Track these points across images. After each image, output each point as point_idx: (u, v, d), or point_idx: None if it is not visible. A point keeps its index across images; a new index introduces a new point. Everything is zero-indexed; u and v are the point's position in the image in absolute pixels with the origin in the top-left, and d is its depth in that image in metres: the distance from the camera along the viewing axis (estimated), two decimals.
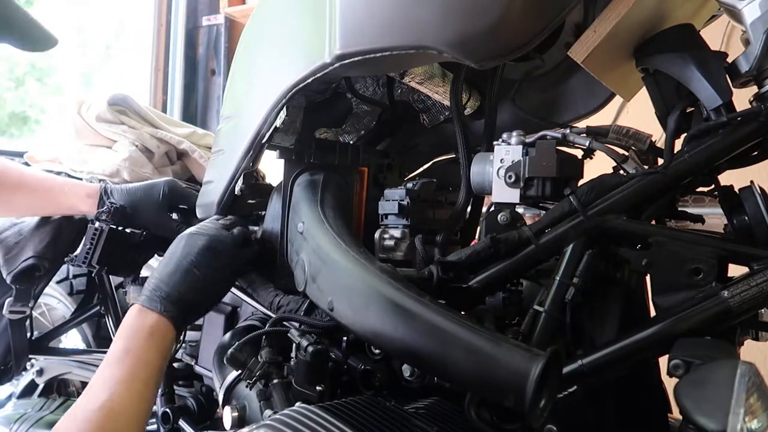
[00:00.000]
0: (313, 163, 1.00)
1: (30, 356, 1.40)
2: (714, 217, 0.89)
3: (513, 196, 0.81)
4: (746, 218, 0.70)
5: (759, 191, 0.70)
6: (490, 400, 0.71)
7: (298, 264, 0.90)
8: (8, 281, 1.24)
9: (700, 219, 0.85)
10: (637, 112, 1.02)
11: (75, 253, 1.13)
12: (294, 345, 0.83)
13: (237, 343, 0.87)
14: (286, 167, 0.99)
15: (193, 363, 1.18)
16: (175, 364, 1.21)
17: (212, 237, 0.91)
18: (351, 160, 1.05)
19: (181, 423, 1.15)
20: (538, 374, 0.60)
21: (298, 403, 0.75)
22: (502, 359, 0.63)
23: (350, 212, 1.03)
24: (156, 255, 1.19)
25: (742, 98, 0.75)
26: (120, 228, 1.11)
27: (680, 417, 0.58)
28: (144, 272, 1.20)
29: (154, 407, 1.15)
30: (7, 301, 1.24)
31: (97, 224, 1.08)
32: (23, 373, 1.55)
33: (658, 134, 0.81)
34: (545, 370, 0.61)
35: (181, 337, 1.13)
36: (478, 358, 0.65)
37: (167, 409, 1.13)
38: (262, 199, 1.06)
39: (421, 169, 1.24)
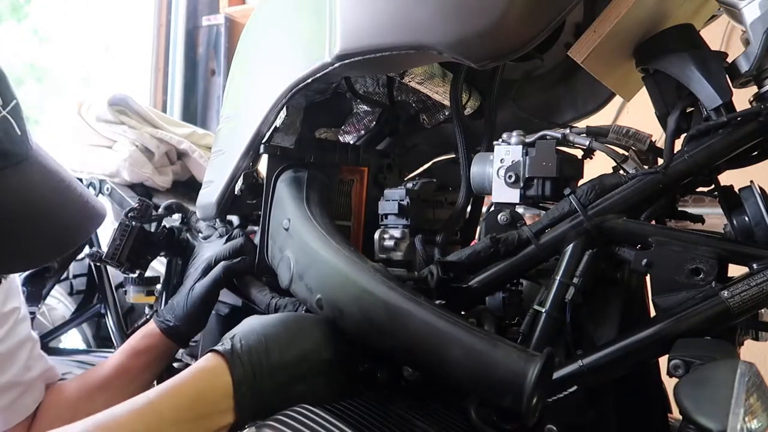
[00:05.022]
0: (298, 160, 0.99)
1: None
2: (714, 217, 0.89)
3: (513, 196, 0.82)
4: (746, 218, 0.70)
5: (759, 191, 0.70)
6: (488, 400, 0.71)
7: (282, 261, 0.90)
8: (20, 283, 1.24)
9: (700, 219, 0.85)
10: (637, 112, 1.02)
11: (93, 249, 1.13)
12: None
13: None
14: (270, 163, 0.99)
15: (193, 363, 1.18)
16: (175, 364, 1.21)
17: None
18: (351, 160, 1.04)
19: None
20: (537, 375, 0.60)
21: None
22: (500, 360, 0.64)
23: (333, 210, 1.02)
24: (160, 255, 1.19)
25: (742, 98, 0.75)
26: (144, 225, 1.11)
27: (680, 417, 0.58)
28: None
29: None
30: None
31: (126, 222, 1.08)
32: None
33: (658, 134, 0.81)
34: (542, 371, 0.61)
35: None
36: (475, 358, 0.65)
37: None
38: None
39: (421, 169, 1.24)
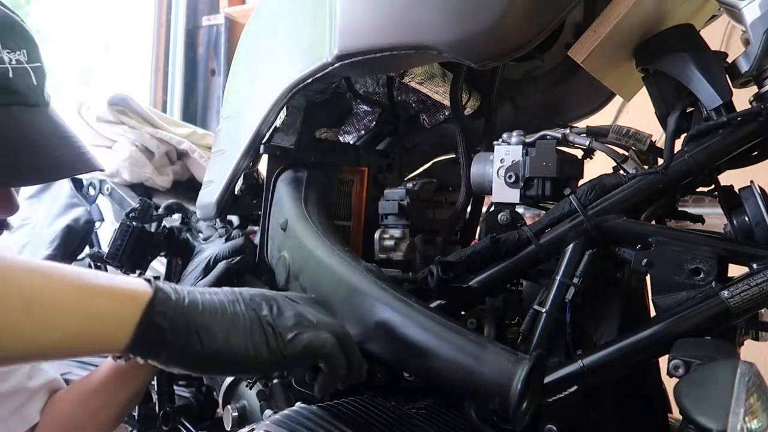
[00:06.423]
0: (297, 160, 0.99)
1: None
2: (714, 217, 0.89)
3: (513, 196, 0.82)
4: (746, 218, 0.70)
5: (759, 191, 0.70)
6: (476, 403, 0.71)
7: (279, 261, 0.90)
8: None
9: (700, 219, 0.85)
10: (637, 112, 1.02)
11: (94, 250, 1.13)
12: None
13: None
14: (270, 163, 0.99)
15: None
16: None
17: None
18: (351, 160, 1.04)
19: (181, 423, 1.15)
20: (524, 378, 0.60)
21: (298, 403, 0.75)
22: (488, 362, 0.64)
23: (333, 211, 1.02)
24: (160, 255, 1.19)
25: (742, 98, 0.75)
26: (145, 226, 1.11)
27: (680, 417, 0.58)
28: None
29: (154, 407, 1.16)
30: None
31: (127, 222, 1.08)
32: None
33: (658, 134, 0.81)
34: (530, 373, 0.61)
35: None
36: (463, 360, 0.65)
37: (167, 409, 1.13)
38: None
39: (421, 169, 1.24)
